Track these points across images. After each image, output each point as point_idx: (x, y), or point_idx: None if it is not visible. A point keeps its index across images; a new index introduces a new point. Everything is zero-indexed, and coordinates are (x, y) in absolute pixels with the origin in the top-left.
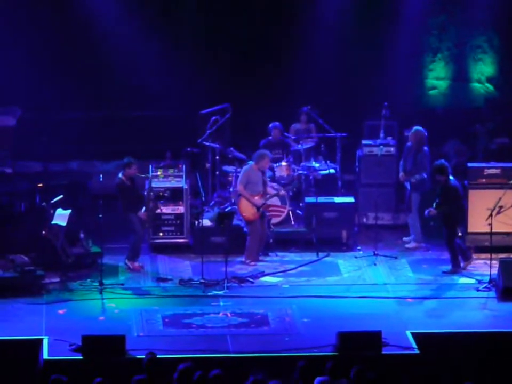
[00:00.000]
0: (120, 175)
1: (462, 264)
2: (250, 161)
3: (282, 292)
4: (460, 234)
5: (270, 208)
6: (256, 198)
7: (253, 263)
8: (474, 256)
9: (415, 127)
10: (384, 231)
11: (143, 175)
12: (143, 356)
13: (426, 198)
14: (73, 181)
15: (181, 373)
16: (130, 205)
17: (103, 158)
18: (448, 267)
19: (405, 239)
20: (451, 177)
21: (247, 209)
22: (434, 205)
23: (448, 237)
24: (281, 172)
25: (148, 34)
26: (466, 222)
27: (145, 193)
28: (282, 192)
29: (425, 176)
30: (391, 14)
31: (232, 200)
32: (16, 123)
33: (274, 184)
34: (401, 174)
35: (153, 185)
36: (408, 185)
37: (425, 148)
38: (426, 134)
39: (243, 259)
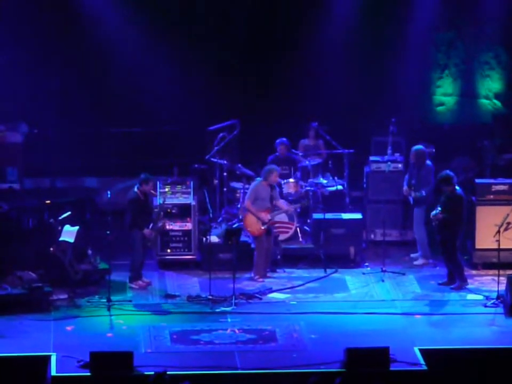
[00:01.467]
0: (135, 189)
1: (458, 283)
2: (259, 178)
3: (290, 308)
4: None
5: (278, 225)
6: (263, 213)
7: (260, 279)
8: (482, 272)
9: (415, 147)
10: (391, 248)
11: (153, 192)
12: (151, 372)
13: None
14: (81, 197)
15: None
16: (138, 221)
17: (110, 174)
18: (444, 279)
19: (412, 255)
20: (457, 188)
21: (252, 225)
22: (439, 208)
23: (451, 250)
24: (288, 189)
25: (157, 49)
26: (474, 238)
27: (155, 210)
28: (290, 209)
29: (424, 193)
30: (398, 30)
31: (240, 217)
32: (24, 139)
33: (283, 201)
34: (405, 188)
35: (160, 201)
36: (411, 200)
37: (428, 162)
38: (428, 150)
39: (251, 275)
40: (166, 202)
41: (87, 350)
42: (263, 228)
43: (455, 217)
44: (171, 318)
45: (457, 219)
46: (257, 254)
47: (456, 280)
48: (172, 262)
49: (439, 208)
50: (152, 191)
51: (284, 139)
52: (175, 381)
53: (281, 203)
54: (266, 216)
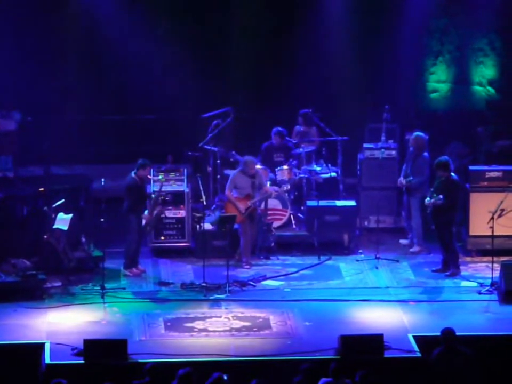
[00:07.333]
0: (133, 174)
1: (452, 271)
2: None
3: (284, 295)
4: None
5: (271, 212)
6: (242, 201)
7: (247, 266)
8: (476, 259)
9: (416, 133)
10: (385, 234)
11: (150, 177)
12: (145, 360)
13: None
14: (74, 185)
15: (181, 378)
16: (134, 206)
17: (104, 161)
18: (438, 266)
19: (401, 241)
20: (453, 174)
21: (233, 212)
22: (434, 195)
23: (447, 237)
24: (282, 176)
25: (151, 37)
26: (468, 225)
27: (153, 196)
28: (269, 191)
29: (414, 181)
30: (392, 17)
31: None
32: (17, 127)
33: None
34: (400, 178)
35: (154, 189)
36: (405, 190)
37: (426, 154)
38: (427, 138)
39: (240, 262)
40: (161, 190)
41: (81, 337)
42: (243, 214)
43: (449, 203)
44: (165, 305)
45: (451, 205)
46: (243, 240)
47: (450, 267)
48: (165, 250)
49: (434, 195)
50: (149, 176)
51: (280, 128)
52: (173, 369)
53: (268, 188)
54: (244, 205)
